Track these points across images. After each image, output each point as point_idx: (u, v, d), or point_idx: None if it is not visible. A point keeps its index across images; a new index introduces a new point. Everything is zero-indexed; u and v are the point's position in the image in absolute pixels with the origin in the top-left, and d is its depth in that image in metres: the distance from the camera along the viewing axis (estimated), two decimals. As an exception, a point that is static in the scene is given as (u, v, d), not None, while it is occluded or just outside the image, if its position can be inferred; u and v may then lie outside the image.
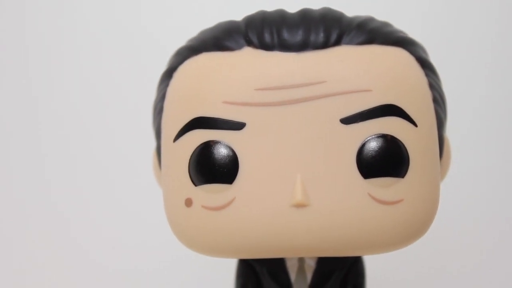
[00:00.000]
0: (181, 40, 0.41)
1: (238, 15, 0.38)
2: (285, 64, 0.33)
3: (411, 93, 0.34)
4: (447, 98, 0.40)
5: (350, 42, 0.34)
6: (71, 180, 0.81)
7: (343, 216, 0.33)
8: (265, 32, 0.34)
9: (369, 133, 0.33)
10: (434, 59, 0.40)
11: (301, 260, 0.40)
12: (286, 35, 0.34)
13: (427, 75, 0.36)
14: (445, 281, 0.72)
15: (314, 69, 0.33)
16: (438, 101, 0.37)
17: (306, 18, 0.34)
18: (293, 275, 0.40)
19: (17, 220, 0.84)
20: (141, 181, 0.64)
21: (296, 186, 0.32)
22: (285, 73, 0.33)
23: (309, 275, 0.40)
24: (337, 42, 0.34)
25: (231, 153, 0.33)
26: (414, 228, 0.35)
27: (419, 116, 0.34)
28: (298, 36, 0.34)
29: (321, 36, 0.34)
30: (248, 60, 0.34)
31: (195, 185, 0.34)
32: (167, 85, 0.37)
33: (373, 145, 0.33)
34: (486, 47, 0.78)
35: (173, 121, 0.35)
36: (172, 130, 0.35)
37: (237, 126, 0.33)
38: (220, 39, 0.35)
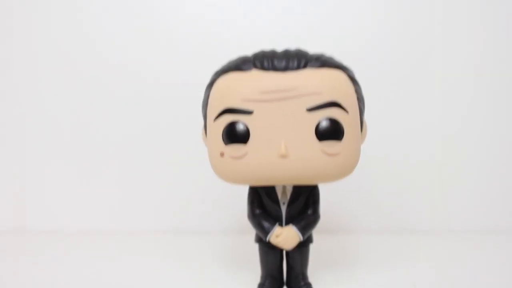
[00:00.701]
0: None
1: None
2: (275, 78, 0.54)
3: (345, 95, 0.55)
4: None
5: (311, 67, 0.54)
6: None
7: (307, 162, 0.53)
8: (264, 61, 0.54)
9: (322, 116, 0.53)
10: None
11: (284, 186, 0.60)
12: (276, 62, 0.54)
13: (353, 85, 0.56)
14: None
15: (292, 81, 0.53)
16: (360, 100, 0.57)
17: (287, 53, 0.55)
18: (279, 195, 0.60)
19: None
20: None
21: (281, 146, 0.53)
22: (275, 83, 0.53)
23: (288, 195, 0.60)
24: (304, 66, 0.54)
25: (245, 128, 0.54)
26: (345, 170, 0.56)
27: (349, 107, 0.54)
28: (283, 63, 0.54)
29: (295, 63, 0.54)
30: (255, 76, 0.54)
31: (226, 145, 0.54)
32: (209, 91, 0.57)
33: (324, 123, 0.53)
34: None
35: (214, 110, 0.55)
36: (213, 114, 0.55)
37: (249, 112, 0.53)
38: (239, 65, 0.56)
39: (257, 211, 0.61)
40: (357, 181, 0.95)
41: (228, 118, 0.55)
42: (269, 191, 0.60)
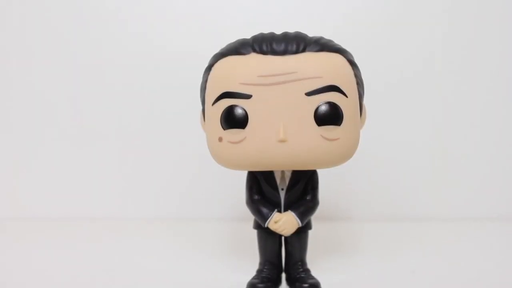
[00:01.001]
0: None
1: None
2: (274, 62, 0.53)
3: (344, 79, 0.54)
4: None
5: (310, 50, 0.54)
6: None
7: (306, 147, 0.53)
8: (263, 44, 0.54)
9: (321, 101, 0.53)
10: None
11: (282, 172, 0.59)
12: (275, 46, 0.54)
13: (353, 69, 0.56)
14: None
15: (291, 65, 0.53)
16: (359, 84, 0.57)
17: (286, 37, 0.54)
18: (278, 180, 0.59)
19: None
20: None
21: (280, 130, 0.52)
22: (274, 67, 0.53)
23: (287, 180, 0.59)
24: (303, 50, 0.54)
25: (244, 112, 0.53)
26: (344, 155, 0.55)
27: (349, 92, 0.54)
28: (281, 47, 0.54)
29: (294, 47, 0.54)
30: (253, 60, 0.54)
31: (224, 129, 0.54)
32: (208, 74, 0.57)
33: (324, 107, 0.53)
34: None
35: (212, 94, 0.55)
36: (211, 99, 0.55)
37: (247, 96, 0.53)
38: (238, 48, 0.55)
39: (256, 197, 0.60)
40: (356, 167, 0.95)
41: (226, 102, 0.54)
42: (268, 176, 0.60)
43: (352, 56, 0.57)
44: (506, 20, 0.99)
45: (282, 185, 0.60)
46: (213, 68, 0.57)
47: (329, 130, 0.53)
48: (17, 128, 1.03)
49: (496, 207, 0.99)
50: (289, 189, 0.60)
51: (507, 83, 0.99)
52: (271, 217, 0.59)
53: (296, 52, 0.54)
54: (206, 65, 0.58)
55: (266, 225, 0.59)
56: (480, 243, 0.83)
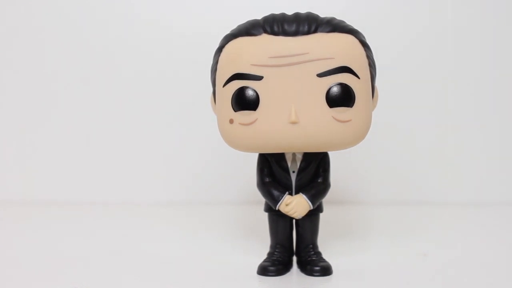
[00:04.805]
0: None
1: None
2: (285, 43, 0.53)
3: (356, 60, 0.54)
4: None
5: (322, 31, 0.54)
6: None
7: (317, 128, 0.53)
8: (274, 25, 0.54)
9: (333, 82, 0.53)
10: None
11: (294, 154, 0.58)
12: (286, 27, 0.53)
13: (365, 50, 0.56)
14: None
15: (302, 46, 0.53)
16: (371, 65, 0.56)
17: (297, 17, 0.54)
18: (289, 163, 0.59)
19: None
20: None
21: (292, 112, 0.52)
22: (286, 48, 0.53)
23: (298, 163, 0.59)
24: (315, 31, 0.53)
25: (255, 93, 0.53)
26: (356, 137, 0.55)
27: (361, 73, 0.54)
28: (293, 27, 0.53)
29: (306, 28, 0.53)
30: (265, 41, 0.54)
31: (235, 111, 0.54)
32: (218, 56, 0.57)
33: (335, 89, 0.53)
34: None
35: (223, 75, 0.55)
36: (222, 80, 0.55)
37: (258, 78, 0.53)
38: (249, 29, 0.55)
39: (267, 179, 0.60)
40: (368, 150, 0.94)
41: (237, 84, 0.54)
42: (279, 159, 0.60)
43: (364, 37, 0.57)
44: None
45: (293, 167, 0.60)
46: (224, 50, 0.57)
47: (341, 112, 0.53)
48: (28, 111, 1.03)
49: (509, 191, 0.98)
50: (300, 171, 0.59)
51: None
52: (282, 199, 0.58)
53: (308, 33, 0.54)
54: (216, 46, 0.58)
55: (277, 208, 0.59)
56: (493, 227, 0.83)
